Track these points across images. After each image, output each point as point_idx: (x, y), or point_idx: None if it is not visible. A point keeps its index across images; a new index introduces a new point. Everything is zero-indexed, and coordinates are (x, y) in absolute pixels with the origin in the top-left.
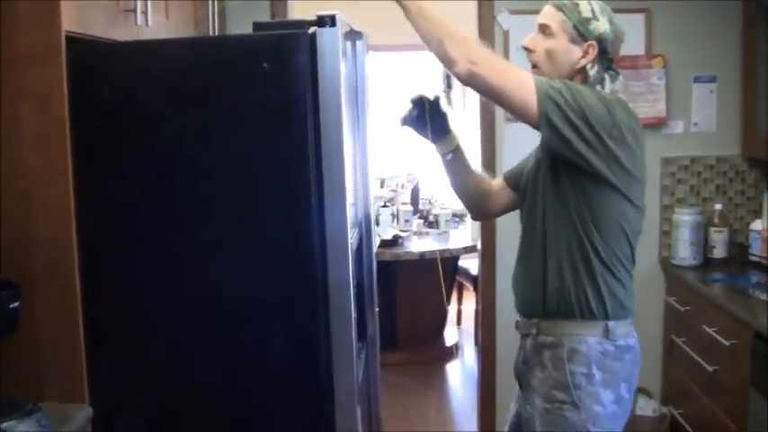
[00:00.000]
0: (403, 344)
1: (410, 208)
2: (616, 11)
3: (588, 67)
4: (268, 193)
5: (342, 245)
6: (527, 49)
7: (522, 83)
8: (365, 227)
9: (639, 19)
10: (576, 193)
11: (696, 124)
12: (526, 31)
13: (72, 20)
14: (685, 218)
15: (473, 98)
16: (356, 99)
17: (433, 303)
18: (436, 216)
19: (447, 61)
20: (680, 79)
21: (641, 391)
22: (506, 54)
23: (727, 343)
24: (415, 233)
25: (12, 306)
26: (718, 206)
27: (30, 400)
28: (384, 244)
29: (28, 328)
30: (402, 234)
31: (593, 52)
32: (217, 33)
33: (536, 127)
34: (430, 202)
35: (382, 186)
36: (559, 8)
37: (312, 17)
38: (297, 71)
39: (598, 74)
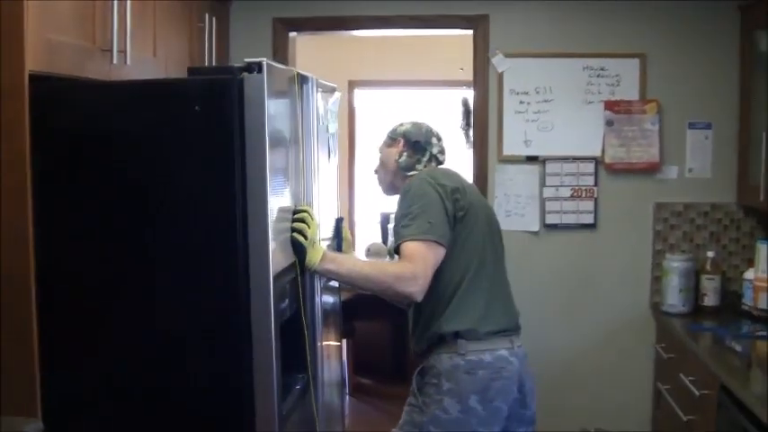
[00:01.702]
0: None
1: None
2: (611, 56)
3: (398, 157)
4: (197, 226)
5: (264, 281)
6: (375, 173)
7: (425, 250)
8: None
9: (634, 64)
10: None
11: (691, 170)
12: (519, 72)
13: (38, 59)
14: (675, 264)
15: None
16: (301, 137)
17: None
18: None
19: (405, 298)
20: (674, 125)
21: None
22: (500, 94)
23: (698, 393)
24: None
25: None
26: (710, 253)
27: None
28: None
29: None
30: None
31: (401, 145)
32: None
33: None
34: None
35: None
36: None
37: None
38: (225, 114)
39: (408, 159)
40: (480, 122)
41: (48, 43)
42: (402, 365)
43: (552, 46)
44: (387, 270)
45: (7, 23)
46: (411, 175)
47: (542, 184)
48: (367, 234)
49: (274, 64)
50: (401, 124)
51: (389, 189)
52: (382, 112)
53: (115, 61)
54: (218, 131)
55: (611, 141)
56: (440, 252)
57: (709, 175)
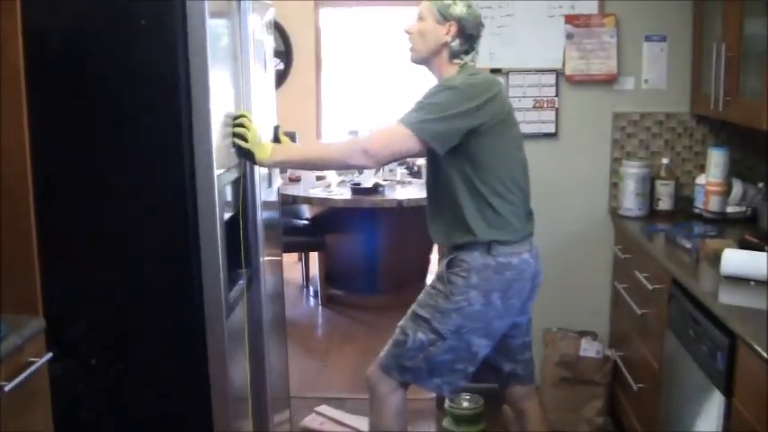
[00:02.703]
0: (384, 288)
1: None
2: None
3: (450, 41)
4: (145, 132)
5: (208, 182)
6: (407, 32)
7: (401, 135)
8: (249, 170)
9: None
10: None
11: (647, 81)
12: None
13: None
14: (632, 170)
15: None
16: (239, 51)
17: (415, 250)
18: (419, 166)
19: (355, 168)
20: (631, 38)
21: (588, 333)
22: None
23: (651, 288)
24: (398, 182)
25: None
26: (665, 160)
27: None
28: (364, 191)
29: None
30: (383, 183)
31: (454, 30)
32: None
33: (437, 150)
34: None
35: None
36: None
37: None
38: (169, 29)
39: (459, 47)
40: None
41: None
42: (372, 276)
43: None
44: (335, 148)
45: None
46: (455, 63)
47: (506, 95)
48: None
49: None
50: (454, 3)
51: (420, 60)
52: (348, 31)
53: None
54: (162, 46)
55: (571, 54)
56: (416, 145)
57: (665, 85)
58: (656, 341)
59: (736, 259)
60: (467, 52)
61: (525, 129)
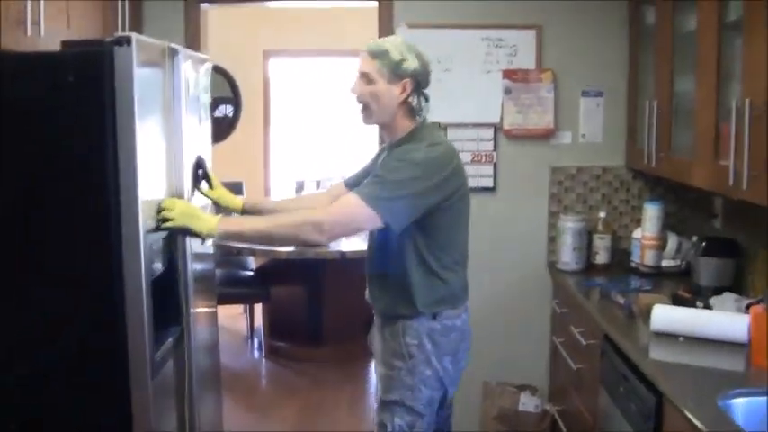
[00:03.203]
0: (328, 340)
1: None
2: (509, 27)
3: (410, 99)
4: (70, 187)
5: (134, 235)
6: (357, 97)
7: (361, 214)
8: None
9: (531, 35)
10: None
11: (584, 136)
12: (422, 42)
13: None
14: (569, 224)
15: None
16: (174, 104)
17: (360, 302)
18: None
19: (308, 244)
20: (569, 93)
21: (527, 387)
22: None
23: (585, 343)
24: None
25: None
26: (602, 214)
27: None
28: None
29: None
30: None
31: (409, 87)
32: None
33: (395, 229)
34: None
35: (318, 187)
36: (374, 57)
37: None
38: (97, 84)
39: (417, 103)
40: None
41: None
42: (318, 328)
43: (453, 18)
44: (289, 220)
45: None
46: (414, 120)
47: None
48: None
49: (143, 38)
50: (405, 59)
51: (375, 122)
52: (296, 82)
53: (29, 33)
54: (90, 101)
55: (509, 108)
56: (374, 224)
57: (601, 140)
58: (591, 396)
59: (665, 315)
60: (424, 106)
61: None
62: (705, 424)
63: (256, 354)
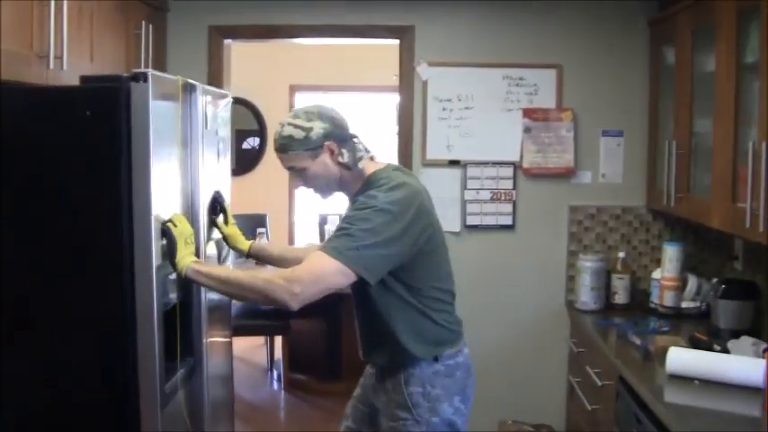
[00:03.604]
0: (346, 374)
1: None
2: (530, 66)
3: (341, 159)
4: (87, 223)
5: (147, 266)
6: (305, 187)
7: (331, 270)
8: (198, 252)
9: (552, 74)
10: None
11: (604, 175)
12: (442, 80)
13: None
14: (588, 264)
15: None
16: (191, 138)
17: None
18: None
19: (277, 305)
20: (589, 132)
21: (543, 426)
22: (425, 101)
23: (600, 384)
24: None
25: None
26: (621, 254)
27: None
28: None
29: None
30: None
31: (334, 146)
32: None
33: (369, 281)
34: None
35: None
36: (284, 150)
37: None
38: (113, 119)
39: (349, 154)
40: (405, 127)
41: None
42: (336, 362)
43: (474, 56)
44: (260, 276)
45: None
46: (359, 171)
47: (464, 187)
48: (305, 235)
49: (160, 74)
50: (309, 129)
51: (332, 193)
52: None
53: (52, 66)
54: (106, 135)
55: (528, 147)
56: (347, 279)
57: (621, 180)
58: None
59: (680, 358)
60: (358, 149)
61: (483, 220)
62: None
63: (275, 385)
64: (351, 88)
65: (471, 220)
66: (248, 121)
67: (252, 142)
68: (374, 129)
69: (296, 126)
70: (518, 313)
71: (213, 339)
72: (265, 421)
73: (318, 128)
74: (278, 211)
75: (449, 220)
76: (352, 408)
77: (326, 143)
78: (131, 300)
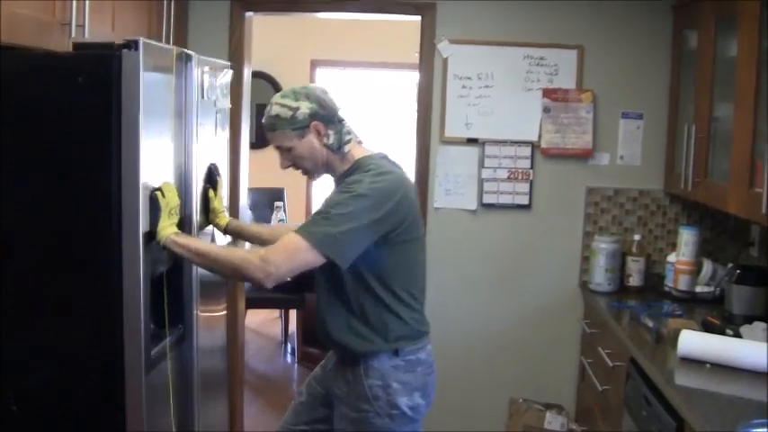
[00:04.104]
0: None
1: None
2: (551, 47)
3: (326, 140)
4: (75, 183)
5: (134, 232)
6: (291, 166)
7: (303, 251)
8: (188, 222)
9: (573, 55)
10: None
11: (622, 158)
12: (464, 59)
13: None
14: (603, 245)
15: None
16: (185, 109)
17: None
18: None
19: (251, 282)
20: (608, 114)
21: (554, 406)
22: (444, 78)
23: (611, 365)
24: None
25: None
26: (637, 236)
27: None
28: None
29: None
30: None
31: (320, 127)
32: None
33: (340, 265)
34: None
35: None
36: (272, 129)
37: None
38: (104, 86)
39: (336, 136)
40: (424, 105)
41: (11, 16)
42: None
43: (495, 35)
44: (236, 252)
45: None
46: (347, 152)
47: (481, 166)
48: None
49: (153, 43)
50: (296, 108)
51: (320, 175)
52: (342, 92)
53: (74, 34)
54: (97, 102)
55: (547, 127)
56: (316, 261)
57: (639, 162)
58: (615, 419)
59: (692, 341)
60: (345, 132)
61: (499, 199)
62: None
63: (289, 358)
64: (372, 65)
65: (488, 199)
66: (269, 95)
67: None
68: (393, 106)
69: (283, 105)
70: (531, 293)
71: (207, 311)
72: (278, 393)
73: (305, 108)
74: (296, 186)
75: (465, 198)
76: (308, 386)
77: (313, 123)
78: (118, 265)
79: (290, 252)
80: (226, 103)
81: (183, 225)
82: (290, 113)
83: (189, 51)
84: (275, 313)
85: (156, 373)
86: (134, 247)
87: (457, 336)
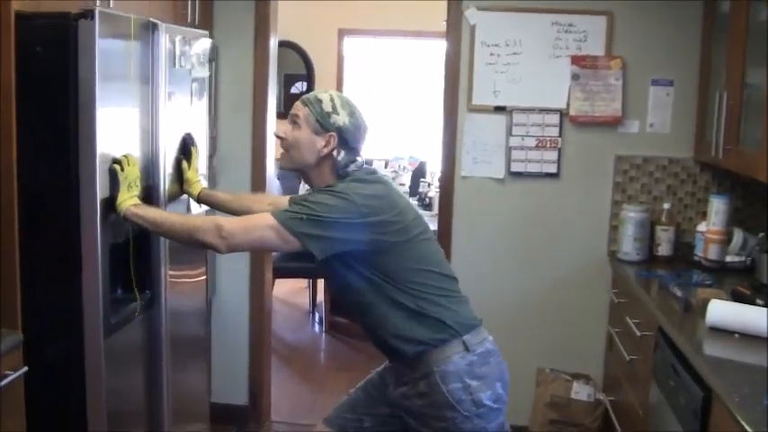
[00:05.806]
0: None
1: (407, 189)
2: (580, 12)
3: (335, 154)
4: (37, 158)
5: (91, 197)
6: (278, 137)
7: (264, 225)
8: (155, 190)
9: (602, 21)
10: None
11: (652, 125)
12: (492, 26)
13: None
14: (631, 214)
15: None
16: (152, 78)
17: None
18: (431, 198)
19: (204, 247)
20: (637, 81)
21: (581, 376)
22: (472, 46)
23: (639, 334)
24: None
25: None
26: (666, 205)
27: None
28: None
29: None
30: None
31: (334, 142)
32: (198, 15)
33: (305, 248)
34: (429, 185)
35: (386, 167)
36: (305, 104)
37: None
38: (61, 56)
39: (344, 158)
40: (452, 73)
41: None
42: None
43: (523, 1)
44: (193, 220)
45: None
46: (341, 176)
47: (509, 134)
48: None
49: (111, 11)
50: (335, 112)
51: (293, 168)
52: (370, 61)
53: (99, 3)
54: (55, 71)
55: (576, 95)
56: (282, 241)
57: (669, 130)
58: (643, 389)
59: (721, 311)
60: (353, 161)
61: (527, 168)
62: (751, 423)
63: (317, 328)
64: (399, 33)
65: (516, 167)
66: (296, 65)
67: (300, 87)
68: (421, 75)
69: (331, 101)
70: (559, 262)
71: (180, 277)
72: (306, 362)
73: (341, 119)
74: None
75: (493, 166)
76: (364, 390)
77: (332, 133)
78: (77, 231)
79: (249, 225)
80: (203, 72)
81: (151, 193)
82: (328, 110)
83: (155, 20)
84: (303, 283)
85: (118, 336)
86: (91, 214)
87: (484, 305)
